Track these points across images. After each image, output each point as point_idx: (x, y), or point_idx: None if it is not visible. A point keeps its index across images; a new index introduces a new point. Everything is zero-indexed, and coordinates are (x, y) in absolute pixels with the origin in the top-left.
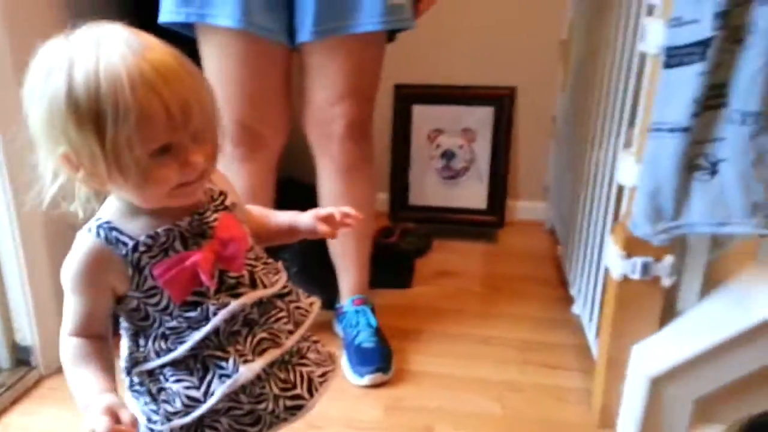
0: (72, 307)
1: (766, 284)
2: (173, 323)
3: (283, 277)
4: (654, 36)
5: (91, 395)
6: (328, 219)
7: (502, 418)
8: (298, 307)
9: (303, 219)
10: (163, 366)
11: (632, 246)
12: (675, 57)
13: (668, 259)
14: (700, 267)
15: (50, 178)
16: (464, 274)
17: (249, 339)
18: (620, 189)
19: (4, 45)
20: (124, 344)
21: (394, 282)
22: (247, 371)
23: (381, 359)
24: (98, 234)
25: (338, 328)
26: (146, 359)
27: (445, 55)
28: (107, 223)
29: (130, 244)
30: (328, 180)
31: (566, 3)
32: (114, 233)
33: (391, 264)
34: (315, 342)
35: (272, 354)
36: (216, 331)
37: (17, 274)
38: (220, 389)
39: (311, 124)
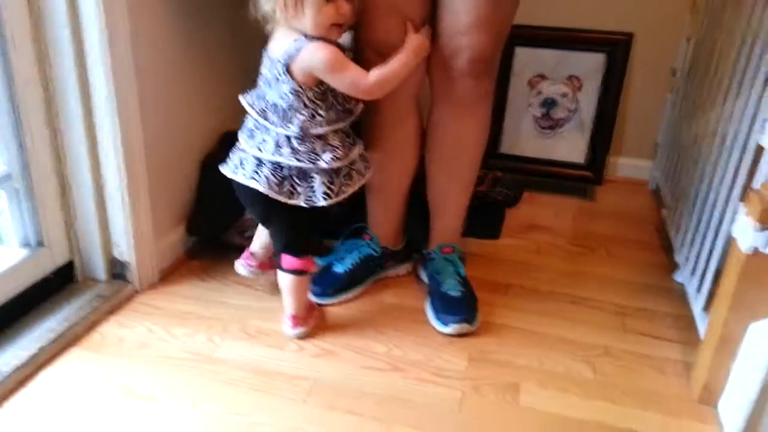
0: None
1: None
2: (338, 107)
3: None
4: None
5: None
6: None
7: (594, 382)
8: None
9: None
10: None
11: None
12: None
13: None
14: None
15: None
16: (556, 229)
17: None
18: (758, 151)
19: None
20: (295, 123)
21: (483, 232)
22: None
23: (467, 309)
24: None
25: (423, 274)
26: (320, 125)
27: None
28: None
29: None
30: (441, 119)
31: None
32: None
33: (480, 213)
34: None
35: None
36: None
37: (119, 195)
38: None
39: (435, 56)
